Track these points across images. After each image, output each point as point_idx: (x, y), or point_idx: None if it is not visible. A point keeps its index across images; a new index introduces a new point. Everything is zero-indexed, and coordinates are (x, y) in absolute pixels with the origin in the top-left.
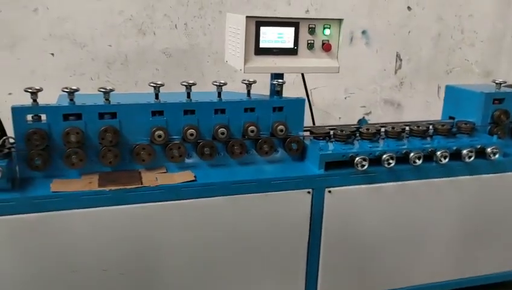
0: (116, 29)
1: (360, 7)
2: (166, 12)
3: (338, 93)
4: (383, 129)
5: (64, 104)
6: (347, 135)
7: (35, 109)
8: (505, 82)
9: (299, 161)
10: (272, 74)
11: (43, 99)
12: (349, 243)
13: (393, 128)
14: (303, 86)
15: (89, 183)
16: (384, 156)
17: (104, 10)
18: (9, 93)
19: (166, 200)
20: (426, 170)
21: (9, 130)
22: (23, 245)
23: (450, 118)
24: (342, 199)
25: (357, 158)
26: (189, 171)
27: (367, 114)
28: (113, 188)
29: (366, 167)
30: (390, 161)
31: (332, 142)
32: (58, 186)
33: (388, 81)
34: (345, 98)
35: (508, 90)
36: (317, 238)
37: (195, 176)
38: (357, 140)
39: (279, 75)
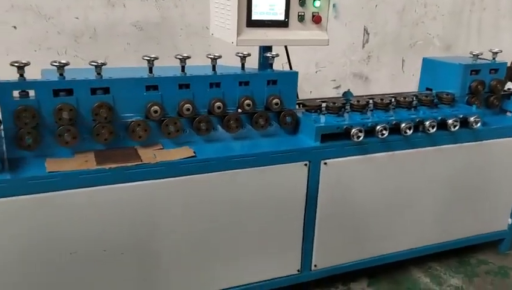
0: (83, 1)
1: None
2: None
3: (309, 67)
4: (371, 101)
5: (54, 79)
6: (339, 107)
7: (23, 84)
8: (481, 53)
9: (292, 134)
10: (261, 47)
11: (6, 74)
12: (343, 212)
13: (381, 100)
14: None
15: (85, 162)
16: (378, 127)
17: None
18: None
19: (166, 177)
20: (414, 139)
21: None
22: (20, 228)
23: (427, 89)
24: (337, 170)
25: (353, 130)
26: (186, 147)
27: (336, 88)
28: (112, 166)
29: (361, 138)
30: (384, 132)
31: (324, 114)
32: (53, 165)
33: (356, 54)
34: (316, 72)
35: (484, 61)
36: (312, 210)
37: (194, 152)
38: (347, 112)
39: (269, 48)
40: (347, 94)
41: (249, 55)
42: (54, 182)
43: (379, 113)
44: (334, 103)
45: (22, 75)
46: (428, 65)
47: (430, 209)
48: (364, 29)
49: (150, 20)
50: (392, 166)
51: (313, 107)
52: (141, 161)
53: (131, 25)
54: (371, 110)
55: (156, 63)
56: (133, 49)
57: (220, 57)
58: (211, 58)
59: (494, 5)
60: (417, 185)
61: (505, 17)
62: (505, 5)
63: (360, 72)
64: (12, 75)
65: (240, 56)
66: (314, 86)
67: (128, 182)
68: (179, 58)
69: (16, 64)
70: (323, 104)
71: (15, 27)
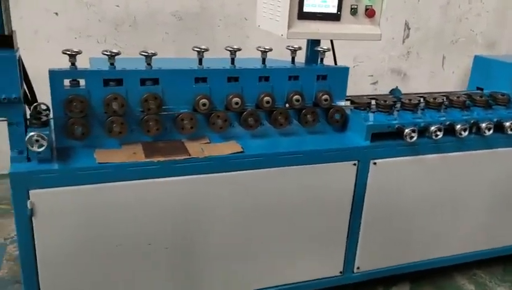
0: None
1: None
2: None
3: (347, 61)
4: (422, 100)
5: (105, 69)
6: (390, 105)
7: (74, 72)
8: None
9: (340, 132)
10: (309, 41)
11: (46, 61)
12: (389, 214)
13: (434, 99)
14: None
15: (133, 154)
16: (432, 127)
17: None
18: None
19: (214, 172)
20: (468, 141)
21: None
22: (67, 219)
23: (478, 88)
24: (386, 170)
25: (406, 130)
26: (233, 141)
27: (374, 83)
28: (161, 159)
29: (415, 138)
30: (438, 133)
31: (373, 112)
32: (103, 157)
33: (396, 50)
34: (353, 66)
35: None
36: (358, 211)
37: (242, 147)
38: (397, 110)
39: (317, 41)
40: (395, 91)
41: (299, 48)
42: (103, 174)
43: (431, 112)
44: (385, 101)
45: (73, 64)
46: (480, 64)
47: (478, 214)
48: (406, 24)
49: (190, 10)
50: (442, 168)
51: (362, 104)
52: (189, 154)
53: (171, 14)
54: (422, 110)
55: (192, 54)
56: (172, 39)
57: (270, 50)
58: (261, 50)
59: None
60: (467, 188)
61: None
62: None
63: (399, 68)
64: (49, 62)
65: (290, 49)
66: (351, 81)
67: (176, 176)
68: (229, 50)
69: (68, 53)
70: (373, 102)
71: (57, 13)
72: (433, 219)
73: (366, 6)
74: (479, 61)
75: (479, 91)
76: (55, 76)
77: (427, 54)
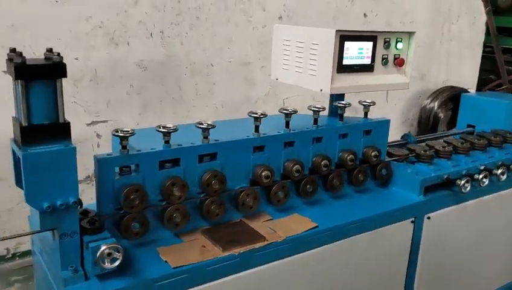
0: (83, 39)
1: (326, 14)
2: (141, 18)
3: (306, 101)
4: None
5: (159, 149)
6: (431, 155)
7: (128, 158)
8: None
9: (383, 187)
10: (332, 96)
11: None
12: (441, 263)
13: (462, 143)
14: (274, 97)
15: (203, 248)
16: (481, 175)
17: (69, 16)
18: None
19: (292, 255)
20: (498, 183)
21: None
22: None
23: (469, 126)
24: (439, 223)
25: (462, 181)
26: (296, 214)
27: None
28: (241, 250)
29: (468, 188)
30: (484, 180)
31: (413, 163)
32: (173, 258)
33: None
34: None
35: None
36: (413, 267)
37: (315, 222)
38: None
39: (342, 95)
40: (409, 137)
41: (349, 105)
42: (181, 281)
43: (460, 157)
44: (426, 151)
45: (124, 147)
46: (468, 102)
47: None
48: None
49: (155, 59)
50: (485, 211)
51: (401, 156)
52: (265, 239)
53: (135, 64)
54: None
55: (160, 107)
56: (136, 92)
57: (324, 108)
58: (313, 110)
59: (459, 36)
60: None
61: (466, 48)
62: (468, 37)
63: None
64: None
65: (339, 106)
66: None
67: (254, 267)
68: (284, 113)
69: (119, 134)
70: (412, 153)
71: (5, 72)
72: (478, 259)
73: (394, 56)
74: (467, 100)
75: (470, 129)
76: (104, 164)
77: None
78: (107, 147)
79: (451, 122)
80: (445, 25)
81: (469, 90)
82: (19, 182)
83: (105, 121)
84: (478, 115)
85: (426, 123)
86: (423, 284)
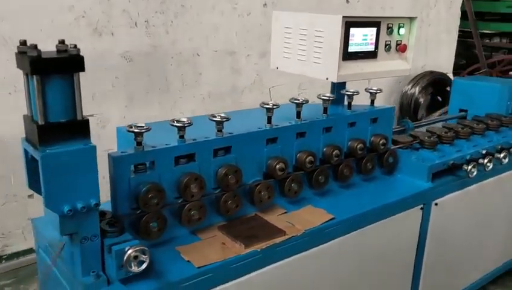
0: (66, 30)
1: (309, 0)
2: (124, 7)
3: (293, 90)
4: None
5: (174, 144)
6: (435, 142)
7: (143, 155)
8: None
9: (388, 175)
10: (333, 84)
11: None
12: (448, 248)
13: (462, 128)
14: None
15: (224, 245)
16: (485, 160)
17: (51, 6)
18: None
19: (311, 247)
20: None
21: None
22: None
23: (461, 110)
24: (446, 209)
25: (469, 166)
26: (310, 206)
27: None
28: (263, 246)
29: (475, 173)
30: (488, 164)
31: (417, 150)
32: (195, 257)
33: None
34: (298, 94)
35: None
36: (421, 254)
37: (331, 214)
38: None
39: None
40: (406, 123)
41: (357, 93)
42: (206, 281)
43: (462, 142)
44: (430, 137)
45: (139, 143)
46: (460, 87)
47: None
48: None
49: (140, 50)
50: (490, 192)
51: (406, 143)
52: (286, 233)
53: (120, 56)
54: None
55: (148, 97)
56: (122, 84)
57: (334, 98)
58: (323, 99)
59: (437, 21)
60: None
61: (443, 33)
62: (445, 22)
63: None
64: None
65: (347, 94)
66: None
67: (275, 261)
68: (295, 103)
69: (134, 130)
70: (416, 140)
71: None
72: (481, 240)
73: (397, 41)
74: (458, 84)
75: (463, 113)
76: (120, 163)
77: None
78: (95, 142)
79: (431, 107)
80: (423, 11)
81: (447, 74)
82: (32, 185)
83: (92, 115)
84: (470, 100)
85: (407, 109)
86: (429, 268)
